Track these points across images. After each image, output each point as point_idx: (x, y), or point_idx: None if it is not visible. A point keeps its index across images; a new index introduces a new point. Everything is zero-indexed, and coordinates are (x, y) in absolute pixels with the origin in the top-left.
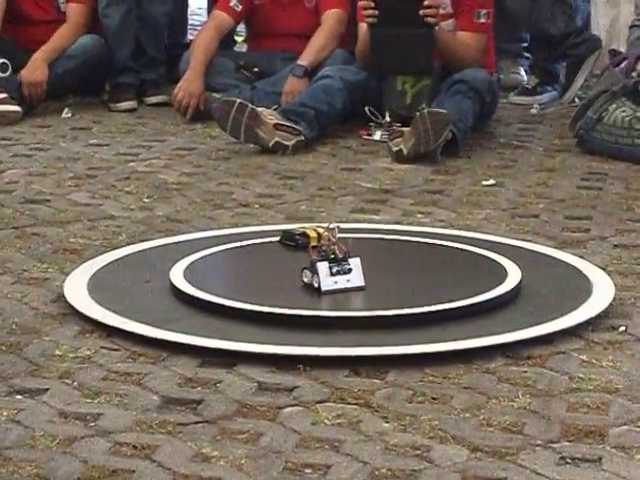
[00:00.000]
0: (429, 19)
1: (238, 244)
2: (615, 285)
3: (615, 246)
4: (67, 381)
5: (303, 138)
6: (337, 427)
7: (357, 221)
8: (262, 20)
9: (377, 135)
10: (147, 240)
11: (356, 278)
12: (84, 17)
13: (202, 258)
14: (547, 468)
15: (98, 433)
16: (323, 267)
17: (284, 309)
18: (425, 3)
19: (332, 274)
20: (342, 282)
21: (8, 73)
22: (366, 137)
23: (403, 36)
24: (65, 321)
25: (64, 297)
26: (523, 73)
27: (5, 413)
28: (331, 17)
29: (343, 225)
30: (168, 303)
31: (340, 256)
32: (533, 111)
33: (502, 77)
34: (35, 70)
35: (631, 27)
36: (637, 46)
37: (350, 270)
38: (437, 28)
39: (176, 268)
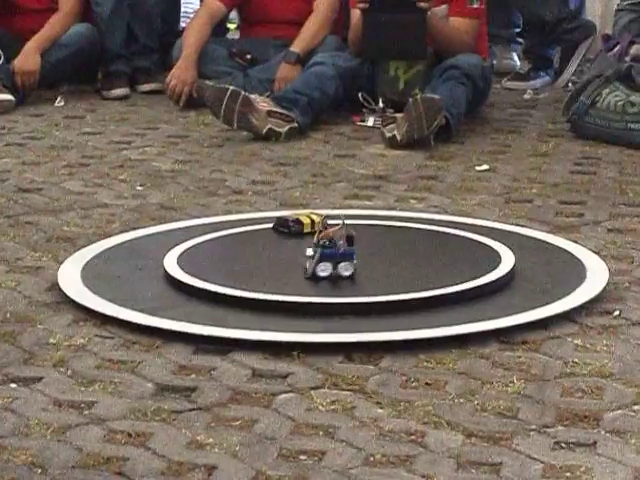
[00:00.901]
0: (421, 4)
1: (232, 231)
2: (609, 269)
3: (609, 230)
4: (61, 369)
5: (296, 125)
6: (331, 413)
7: (351, 207)
8: (254, 7)
9: (370, 121)
10: (140, 228)
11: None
12: (76, 6)
13: (196, 245)
14: (542, 453)
15: (92, 421)
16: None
17: (278, 296)
18: None
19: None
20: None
21: (0, 62)
22: (359, 123)
23: (395, 22)
24: (59, 309)
25: (58, 285)
26: (516, 58)
27: None
28: (323, 3)
29: (337, 211)
30: (162, 291)
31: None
32: (526, 96)
33: (495, 62)
34: (28, 59)
35: (618, 10)
36: (628, 30)
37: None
38: (429, 13)
39: (170, 256)
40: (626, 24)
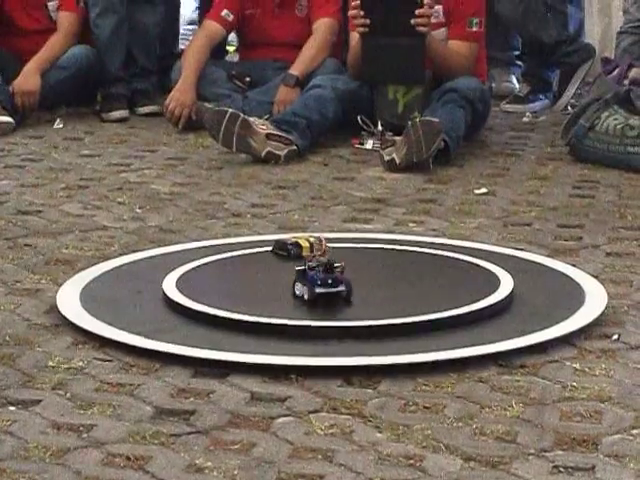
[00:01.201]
0: (420, 28)
1: (230, 254)
2: (608, 293)
3: (607, 254)
4: (60, 392)
5: (295, 147)
6: (330, 437)
7: (349, 230)
8: (253, 29)
9: (369, 144)
10: (139, 251)
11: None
12: (75, 25)
13: (195, 268)
14: (540, 477)
15: (91, 444)
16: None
17: (277, 319)
18: (417, 12)
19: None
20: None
21: None
22: (358, 146)
23: (394, 45)
24: (58, 332)
25: (57, 308)
26: (515, 81)
27: None
28: (322, 26)
29: (335, 235)
30: (161, 314)
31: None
32: (525, 119)
33: (494, 85)
34: (28, 79)
35: (620, 33)
36: (630, 53)
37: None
38: (428, 37)
39: (169, 279)
40: (627, 47)
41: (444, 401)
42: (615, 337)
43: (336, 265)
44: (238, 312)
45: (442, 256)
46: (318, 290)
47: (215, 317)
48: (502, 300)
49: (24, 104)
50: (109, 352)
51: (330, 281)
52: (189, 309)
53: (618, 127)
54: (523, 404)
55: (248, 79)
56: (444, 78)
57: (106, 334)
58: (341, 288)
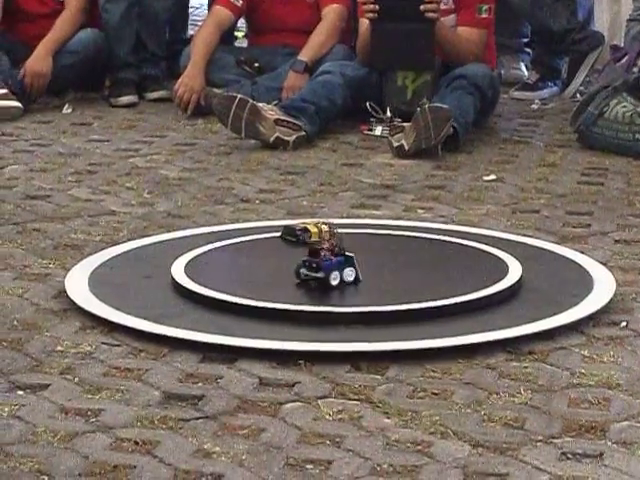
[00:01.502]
0: (430, 14)
1: (239, 240)
2: (616, 280)
3: (616, 241)
4: (68, 377)
5: (304, 133)
6: (338, 423)
7: (358, 217)
8: (262, 15)
9: (378, 130)
10: (148, 236)
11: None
12: (82, 1)
13: (203, 254)
14: (548, 463)
15: (99, 429)
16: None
17: (285, 304)
18: None
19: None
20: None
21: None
22: (367, 132)
23: (403, 32)
24: (66, 317)
25: (65, 293)
26: (524, 68)
27: (6, 409)
28: (332, 12)
29: (344, 221)
30: (169, 299)
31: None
32: (534, 106)
33: (503, 72)
34: (40, 61)
35: (630, 20)
36: (639, 40)
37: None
38: (438, 23)
39: (177, 264)
40: (636, 34)
41: (452, 387)
42: (623, 324)
43: (339, 251)
44: (246, 297)
45: (450, 242)
46: (302, 271)
47: (223, 302)
48: (510, 287)
49: (34, 86)
50: (117, 337)
51: (314, 265)
52: (197, 294)
53: (627, 114)
54: (531, 391)
55: (257, 65)
56: (453, 65)
57: (114, 319)
58: (320, 275)
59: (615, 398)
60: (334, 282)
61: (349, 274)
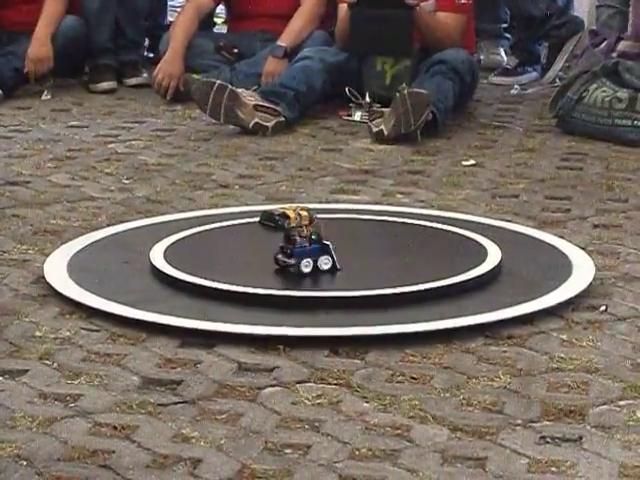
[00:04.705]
0: (409, 1)
1: (218, 225)
2: (595, 265)
3: (595, 226)
4: (47, 362)
5: (283, 119)
6: (317, 407)
7: (337, 201)
8: (241, 1)
9: (357, 116)
10: (127, 221)
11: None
12: None
13: (182, 239)
14: (527, 447)
15: (78, 414)
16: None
17: (264, 289)
18: None
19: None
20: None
21: None
22: (346, 118)
23: (383, 17)
24: (45, 302)
25: (44, 278)
26: (503, 54)
27: None
28: None
29: (323, 206)
30: (148, 284)
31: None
32: (513, 92)
33: (482, 58)
34: (41, 47)
35: (598, 7)
36: (611, 26)
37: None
38: (417, 9)
39: (156, 249)
40: (606, 20)
41: (431, 372)
42: (602, 308)
43: (316, 239)
44: (225, 282)
45: (430, 227)
46: (279, 257)
47: (202, 287)
48: (489, 271)
49: (37, 71)
50: (96, 322)
51: (287, 251)
52: (176, 279)
53: (606, 99)
54: (510, 375)
55: (236, 50)
56: (432, 50)
57: (93, 304)
58: (291, 261)
59: (594, 382)
60: (306, 269)
61: (325, 262)
